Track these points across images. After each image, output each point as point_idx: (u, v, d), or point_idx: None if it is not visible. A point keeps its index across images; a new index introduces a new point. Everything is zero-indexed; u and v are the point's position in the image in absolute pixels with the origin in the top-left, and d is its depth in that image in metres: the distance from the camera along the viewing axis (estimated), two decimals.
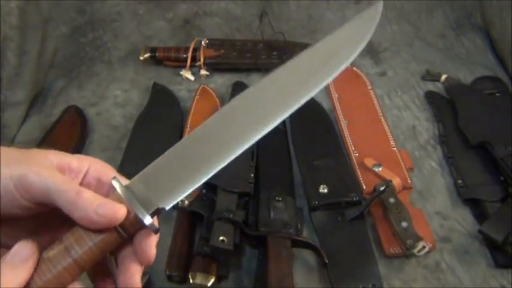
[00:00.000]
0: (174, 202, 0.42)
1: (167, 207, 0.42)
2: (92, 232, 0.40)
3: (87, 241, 0.40)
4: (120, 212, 0.40)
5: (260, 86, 0.46)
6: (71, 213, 0.39)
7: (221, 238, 0.70)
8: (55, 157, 0.42)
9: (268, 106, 0.45)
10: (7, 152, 0.40)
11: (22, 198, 0.39)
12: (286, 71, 0.47)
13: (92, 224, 0.39)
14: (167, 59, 1.16)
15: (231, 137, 0.44)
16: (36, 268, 0.39)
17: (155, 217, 0.42)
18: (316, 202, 0.82)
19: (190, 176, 0.43)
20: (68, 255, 0.39)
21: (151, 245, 0.41)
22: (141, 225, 0.41)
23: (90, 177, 0.43)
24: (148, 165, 0.44)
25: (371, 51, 1.20)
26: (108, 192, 0.43)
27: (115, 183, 0.42)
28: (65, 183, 0.39)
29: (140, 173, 0.43)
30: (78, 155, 0.44)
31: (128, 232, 0.41)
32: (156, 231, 0.41)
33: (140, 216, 0.40)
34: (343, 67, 0.48)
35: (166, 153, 0.44)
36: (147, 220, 0.41)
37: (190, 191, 0.43)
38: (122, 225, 0.40)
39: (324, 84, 0.47)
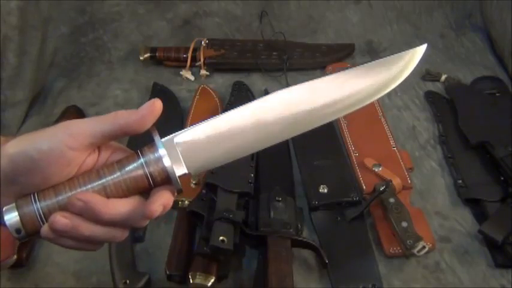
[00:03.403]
0: (202, 171, 0.48)
1: (193, 173, 0.47)
2: (125, 171, 0.45)
3: (119, 177, 0.45)
4: (157, 100, 0.47)
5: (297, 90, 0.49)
6: (117, 128, 0.45)
7: (221, 238, 0.70)
8: None
9: (300, 114, 0.48)
10: (39, 130, 0.46)
11: (70, 150, 0.44)
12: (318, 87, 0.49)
13: (139, 121, 0.45)
14: (167, 59, 1.16)
15: (271, 127, 0.48)
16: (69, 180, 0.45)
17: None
18: (316, 202, 0.82)
19: (226, 152, 0.47)
20: (99, 179, 0.45)
21: (161, 199, 0.45)
22: (167, 181, 0.46)
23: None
24: (186, 128, 0.48)
25: (371, 51, 1.20)
26: None
27: (155, 137, 0.47)
28: (100, 116, 0.45)
29: (178, 133, 0.48)
30: None
31: (155, 181, 0.46)
32: (179, 191, 0.46)
33: (170, 173, 0.45)
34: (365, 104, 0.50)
35: (206, 124, 0.48)
36: (174, 177, 0.45)
37: (219, 165, 0.48)
38: (151, 174, 0.45)
39: (341, 115, 0.50)
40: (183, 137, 0.47)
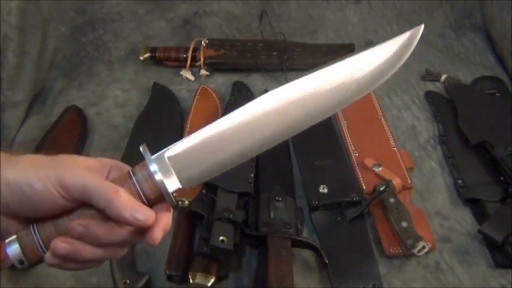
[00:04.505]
0: (195, 184, 0.47)
1: (187, 187, 0.46)
2: None
3: None
4: (151, 219, 0.44)
5: (289, 89, 0.47)
6: (106, 209, 0.43)
7: (221, 238, 0.70)
8: (82, 160, 0.46)
9: (295, 113, 0.46)
10: (38, 158, 0.45)
11: (61, 197, 0.43)
12: (312, 82, 0.47)
13: (124, 222, 0.43)
14: (167, 59, 1.16)
15: (260, 133, 0.46)
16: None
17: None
18: (316, 202, 0.82)
19: (219, 162, 0.46)
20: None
21: (160, 225, 0.45)
22: (161, 197, 0.45)
23: (112, 177, 0.47)
24: (177, 142, 0.46)
25: None
26: None
27: (145, 154, 0.46)
28: (102, 182, 0.44)
29: (169, 148, 0.46)
30: (100, 158, 0.48)
31: (149, 199, 0.45)
32: (174, 207, 0.46)
33: (163, 190, 0.45)
34: (365, 93, 0.49)
35: (196, 135, 0.46)
36: (168, 195, 0.45)
37: (214, 175, 0.46)
38: (144, 192, 0.45)
39: (340, 108, 0.48)
40: (174, 151, 0.46)
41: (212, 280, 0.70)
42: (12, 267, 0.75)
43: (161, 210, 0.46)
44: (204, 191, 0.80)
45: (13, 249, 0.45)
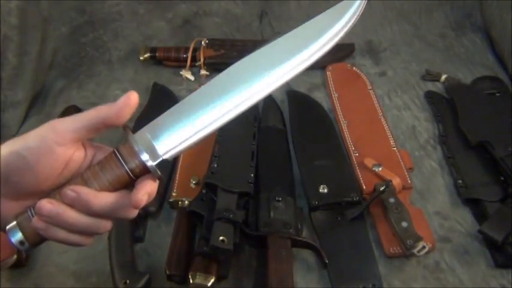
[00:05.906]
0: (176, 154, 0.49)
1: (170, 159, 0.48)
2: (107, 170, 0.47)
3: (102, 177, 0.47)
4: (133, 93, 0.49)
5: (259, 52, 0.55)
6: (98, 122, 0.48)
7: (221, 238, 0.70)
8: None
9: (270, 66, 0.53)
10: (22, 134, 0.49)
11: (57, 145, 0.46)
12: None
13: (117, 114, 0.48)
14: (167, 59, 1.16)
15: (233, 96, 0.50)
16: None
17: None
18: (316, 202, 0.82)
19: (192, 131, 0.49)
20: (84, 183, 0.47)
21: (145, 188, 0.47)
22: (146, 171, 0.48)
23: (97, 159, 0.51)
24: (156, 119, 0.50)
25: (371, 51, 1.20)
26: None
27: (128, 132, 0.49)
28: (83, 112, 0.48)
29: (149, 125, 0.49)
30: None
31: (134, 173, 0.48)
32: (159, 178, 0.48)
33: (146, 163, 0.47)
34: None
35: (172, 108, 0.51)
36: (151, 166, 0.47)
37: (191, 145, 0.49)
38: (130, 168, 0.47)
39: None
40: (154, 127, 0.49)
41: (212, 280, 0.70)
42: (13, 267, 0.75)
43: (147, 178, 0.48)
44: (204, 191, 0.80)
45: (14, 231, 0.48)
